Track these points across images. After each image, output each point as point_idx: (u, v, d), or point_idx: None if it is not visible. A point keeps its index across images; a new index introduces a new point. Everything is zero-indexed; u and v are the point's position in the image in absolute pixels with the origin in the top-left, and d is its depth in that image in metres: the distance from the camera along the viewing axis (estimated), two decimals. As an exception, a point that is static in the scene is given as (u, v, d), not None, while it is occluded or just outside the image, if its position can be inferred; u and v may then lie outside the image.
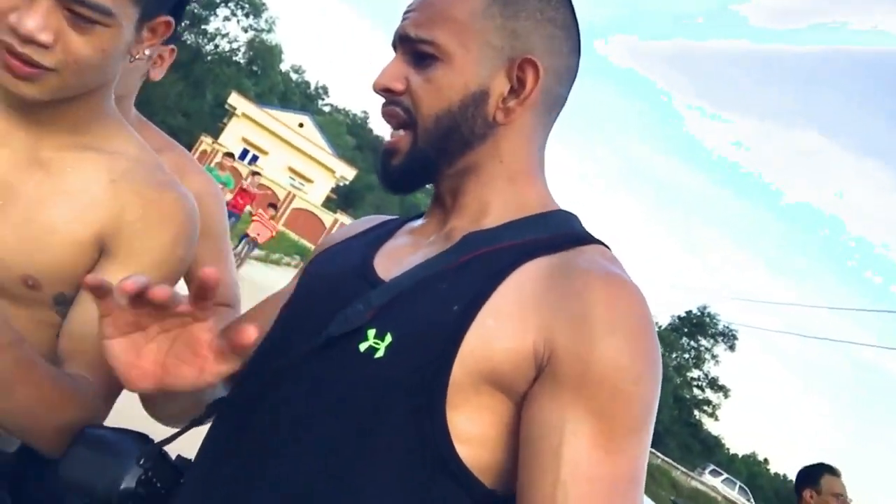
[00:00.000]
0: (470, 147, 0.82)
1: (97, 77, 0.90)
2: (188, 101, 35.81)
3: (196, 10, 40.70)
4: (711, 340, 46.38)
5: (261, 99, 40.24)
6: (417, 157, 0.82)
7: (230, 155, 11.72)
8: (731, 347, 46.19)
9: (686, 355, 46.79)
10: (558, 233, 0.81)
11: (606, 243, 0.83)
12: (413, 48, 0.81)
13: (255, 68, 43.95)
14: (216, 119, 37.80)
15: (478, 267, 0.77)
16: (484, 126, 0.82)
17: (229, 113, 35.66)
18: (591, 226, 0.87)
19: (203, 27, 40.90)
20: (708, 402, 47.67)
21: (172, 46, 1.39)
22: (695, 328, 46.69)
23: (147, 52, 0.97)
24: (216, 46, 40.64)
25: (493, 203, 0.84)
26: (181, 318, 0.71)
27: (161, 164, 1.01)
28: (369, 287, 0.80)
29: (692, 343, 46.87)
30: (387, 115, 0.83)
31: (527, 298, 0.73)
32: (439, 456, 0.71)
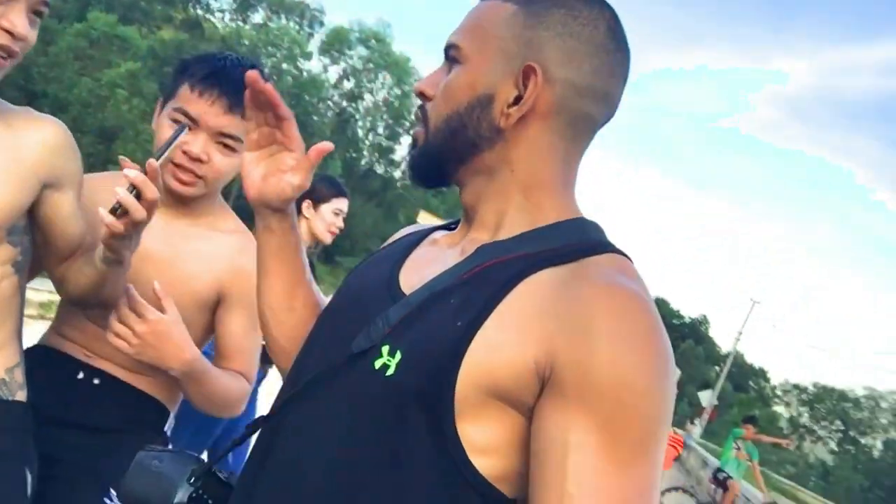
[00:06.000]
0: (478, 149, 0.84)
1: (223, 183, 1.44)
2: (383, 224, 38.64)
3: (384, 143, 44.40)
4: None
5: (449, 214, 42.20)
6: (428, 153, 0.87)
7: (752, 420, 9.71)
8: None
9: None
10: (569, 242, 0.80)
11: (626, 252, 0.81)
12: (447, 54, 0.87)
13: (442, 188, 46.47)
14: (408, 237, 40.06)
15: (484, 280, 0.77)
16: (490, 130, 0.83)
17: (418, 231, 37.56)
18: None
19: (390, 157, 44.45)
20: None
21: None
22: None
23: None
24: (403, 173, 43.93)
25: (508, 214, 0.84)
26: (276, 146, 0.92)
27: (252, 236, 1.44)
28: (391, 301, 0.82)
29: None
30: (415, 116, 0.92)
31: (530, 310, 0.73)
32: (456, 468, 0.73)
